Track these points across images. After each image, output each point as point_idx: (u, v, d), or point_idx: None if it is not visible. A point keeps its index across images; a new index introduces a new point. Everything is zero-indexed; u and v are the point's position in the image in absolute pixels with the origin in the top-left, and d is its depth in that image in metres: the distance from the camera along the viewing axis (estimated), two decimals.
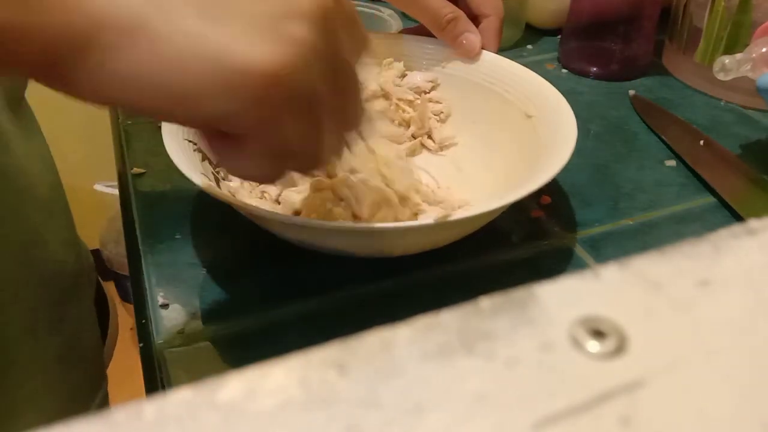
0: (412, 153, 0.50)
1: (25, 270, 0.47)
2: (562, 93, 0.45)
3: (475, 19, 0.53)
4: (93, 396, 0.56)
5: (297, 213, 0.41)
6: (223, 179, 0.43)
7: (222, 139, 0.27)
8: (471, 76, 0.50)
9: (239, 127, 0.26)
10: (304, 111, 0.26)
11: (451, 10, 0.48)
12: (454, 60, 0.51)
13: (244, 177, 0.33)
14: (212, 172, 0.42)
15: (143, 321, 0.37)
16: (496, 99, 0.48)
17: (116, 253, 1.38)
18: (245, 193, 0.43)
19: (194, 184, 0.36)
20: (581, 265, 0.40)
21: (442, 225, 0.34)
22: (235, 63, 0.24)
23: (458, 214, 0.35)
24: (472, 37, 0.49)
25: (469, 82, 0.50)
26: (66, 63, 0.23)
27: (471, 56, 0.50)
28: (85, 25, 0.23)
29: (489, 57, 0.50)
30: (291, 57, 0.24)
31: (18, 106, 0.49)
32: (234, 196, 0.42)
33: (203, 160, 0.42)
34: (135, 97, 0.24)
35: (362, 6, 0.68)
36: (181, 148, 0.39)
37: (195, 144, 0.42)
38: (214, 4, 0.24)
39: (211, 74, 0.24)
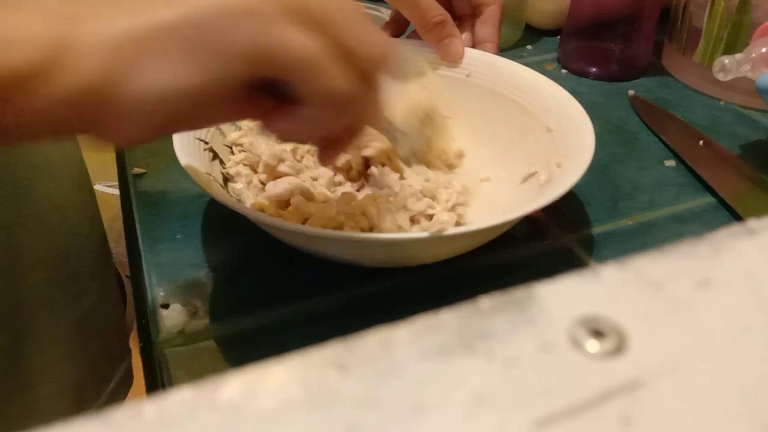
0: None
1: (44, 242, 0.48)
2: None
3: (477, 8, 0.53)
4: (114, 368, 0.57)
5: (306, 220, 0.41)
6: (229, 180, 0.43)
7: (269, 108, 0.27)
8: (491, 84, 0.50)
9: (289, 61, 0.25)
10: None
11: (439, 13, 0.49)
12: (473, 67, 0.51)
13: (297, 138, 0.32)
14: (221, 172, 0.42)
15: (144, 321, 0.37)
16: (516, 109, 0.48)
17: (117, 253, 1.38)
18: (251, 195, 0.43)
19: (196, 185, 0.36)
20: (581, 265, 0.40)
21: (452, 237, 0.34)
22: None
23: (469, 227, 0.35)
24: (456, 41, 0.50)
25: (488, 91, 0.50)
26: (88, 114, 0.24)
27: (454, 60, 0.50)
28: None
29: (509, 66, 0.50)
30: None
31: None
32: (239, 198, 0.42)
33: (213, 159, 0.42)
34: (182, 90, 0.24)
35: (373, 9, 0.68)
36: (190, 150, 0.39)
37: (206, 143, 0.42)
38: None
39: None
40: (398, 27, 0.55)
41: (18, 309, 0.47)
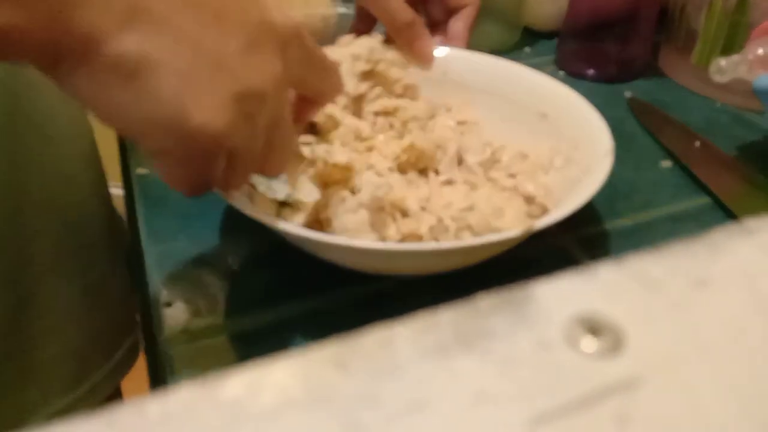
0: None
1: (53, 209, 0.49)
2: None
3: (452, 11, 0.53)
4: (121, 339, 0.58)
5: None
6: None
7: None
8: (469, 80, 0.50)
9: (169, 159, 0.30)
10: (229, 161, 0.31)
11: (409, 14, 0.49)
12: (449, 65, 0.50)
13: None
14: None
15: (147, 319, 0.37)
16: (499, 100, 0.48)
17: None
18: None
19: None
20: (578, 265, 0.40)
21: (472, 248, 0.35)
22: (189, 126, 0.28)
23: (491, 237, 0.35)
24: (427, 42, 0.50)
25: (467, 87, 0.50)
26: (60, 67, 0.26)
27: (425, 62, 0.50)
28: (77, 37, 0.25)
29: (485, 59, 0.50)
30: (234, 124, 0.29)
31: None
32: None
33: None
34: (98, 113, 0.28)
35: (344, 7, 0.67)
36: None
37: None
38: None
39: (165, 127, 0.28)
40: (365, 27, 0.55)
41: (24, 272, 0.47)
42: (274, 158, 0.34)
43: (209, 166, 0.31)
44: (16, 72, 0.45)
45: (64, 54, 0.26)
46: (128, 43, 0.26)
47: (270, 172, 0.35)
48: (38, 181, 0.48)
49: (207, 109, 0.28)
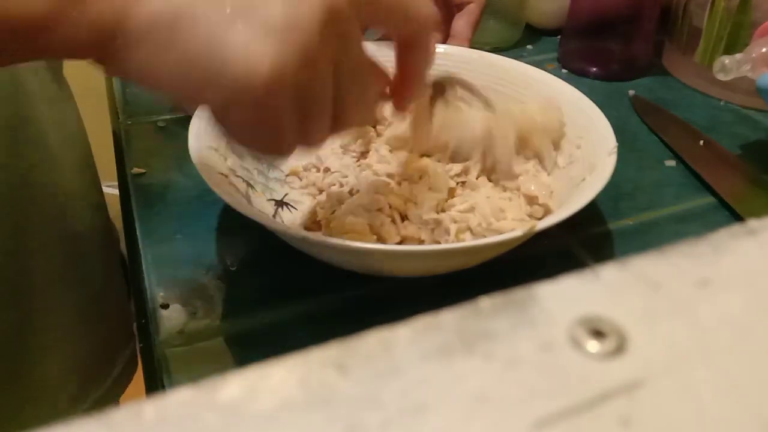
0: None
1: (52, 223, 0.49)
2: None
3: (457, 7, 0.53)
4: (120, 352, 0.58)
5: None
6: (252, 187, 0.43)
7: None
8: (468, 77, 0.50)
9: (238, 118, 0.27)
10: (299, 111, 0.27)
11: None
12: (463, 66, 0.50)
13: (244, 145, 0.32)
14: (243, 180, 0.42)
15: (143, 321, 0.37)
16: (497, 97, 0.48)
17: None
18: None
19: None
20: (581, 265, 0.40)
21: (479, 247, 0.34)
22: (230, 73, 0.24)
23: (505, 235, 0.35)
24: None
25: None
26: (107, 49, 0.25)
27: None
28: (115, 16, 0.25)
29: (485, 57, 0.50)
30: (284, 61, 0.25)
31: (56, 72, 0.52)
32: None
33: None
34: (153, 84, 0.26)
35: None
36: (205, 156, 0.39)
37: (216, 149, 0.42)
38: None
39: (208, 80, 0.25)
40: None
41: (25, 287, 0.47)
42: (348, 114, 0.29)
43: (275, 118, 0.26)
44: (18, 84, 0.45)
45: (104, 34, 0.24)
46: (156, 2, 0.24)
47: (342, 129, 0.30)
48: (41, 192, 0.47)
49: (244, 46, 0.24)
